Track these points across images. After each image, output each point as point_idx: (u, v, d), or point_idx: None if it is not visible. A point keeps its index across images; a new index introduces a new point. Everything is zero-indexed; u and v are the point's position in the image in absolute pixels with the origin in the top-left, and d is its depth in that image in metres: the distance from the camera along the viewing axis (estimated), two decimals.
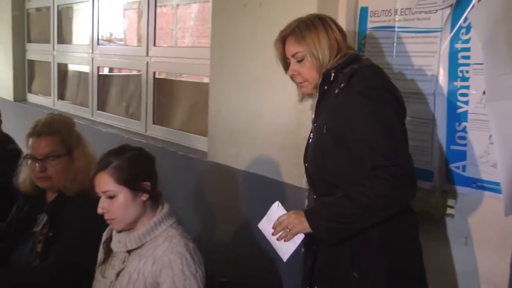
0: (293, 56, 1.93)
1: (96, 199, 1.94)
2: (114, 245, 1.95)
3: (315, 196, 2.02)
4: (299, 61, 1.91)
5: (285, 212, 1.91)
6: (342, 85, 1.82)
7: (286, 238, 1.86)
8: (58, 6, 5.46)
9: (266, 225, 1.94)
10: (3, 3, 6.32)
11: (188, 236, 1.94)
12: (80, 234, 2.13)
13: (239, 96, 2.85)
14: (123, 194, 1.87)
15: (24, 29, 6.21)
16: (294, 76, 1.96)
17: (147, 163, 1.97)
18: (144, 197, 1.90)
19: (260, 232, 1.97)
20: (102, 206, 1.89)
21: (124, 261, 1.93)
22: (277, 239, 1.88)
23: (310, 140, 2.00)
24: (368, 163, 1.74)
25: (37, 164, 2.26)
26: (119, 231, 1.96)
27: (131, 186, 1.88)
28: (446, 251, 2.10)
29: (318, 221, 1.81)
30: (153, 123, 3.93)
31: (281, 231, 1.87)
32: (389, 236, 1.81)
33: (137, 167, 1.91)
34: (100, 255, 2.05)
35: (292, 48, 1.92)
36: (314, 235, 1.85)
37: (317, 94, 1.92)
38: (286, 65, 1.99)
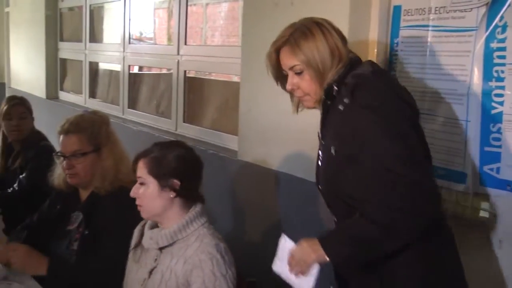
0: (290, 69, 1.75)
1: (129, 196, 1.98)
2: (145, 242, 1.97)
3: (335, 220, 1.84)
4: (298, 74, 1.74)
5: (293, 243, 1.75)
6: (346, 100, 1.65)
7: (302, 271, 1.68)
8: (90, 5, 5.52)
9: (280, 265, 1.78)
10: (37, 3, 6.42)
11: (219, 236, 1.94)
12: (116, 234, 2.15)
13: (269, 94, 2.84)
14: (152, 185, 1.91)
15: (57, 28, 6.30)
16: (293, 91, 1.80)
17: (185, 164, 1.96)
18: (172, 194, 1.91)
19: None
20: (134, 191, 1.95)
21: (156, 259, 1.94)
22: (295, 275, 1.70)
23: (320, 159, 1.83)
24: (384, 181, 1.56)
25: (65, 162, 2.30)
26: (151, 228, 1.99)
27: (160, 180, 1.91)
28: (479, 254, 2.06)
29: (334, 247, 1.63)
30: (184, 122, 3.95)
31: (297, 266, 1.69)
32: (425, 259, 1.65)
33: (172, 164, 1.92)
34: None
35: (288, 60, 1.75)
36: (333, 263, 1.68)
37: (321, 109, 1.77)
38: (280, 78, 1.84)
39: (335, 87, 1.69)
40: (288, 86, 1.79)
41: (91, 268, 2.15)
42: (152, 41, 5.34)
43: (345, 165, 1.67)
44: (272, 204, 2.87)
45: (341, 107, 1.67)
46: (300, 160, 2.66)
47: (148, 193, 1.92)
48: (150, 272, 1.93)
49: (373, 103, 1.61)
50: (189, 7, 3.98)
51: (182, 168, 1.95)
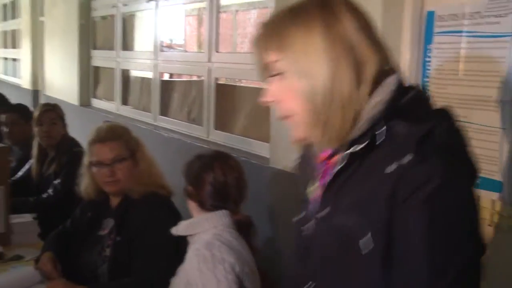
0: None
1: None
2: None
3: None
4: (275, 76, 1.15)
5: None
6: (410, 157, 0.99)
7: None
8: (122, 14, 5.60)
9: None
10: (71, 12, 6.53)
11: (224, 240, 1.94)
12: (150, 241, 2.18)
13: None
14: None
15: (90, 36, 6.40)
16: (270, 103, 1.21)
17: (203, 172, 2.05)
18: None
19: None
20: None
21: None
22: None
23: (305, 239, 1.19)
24: None
25: (105, 169, 2.32)
26: None
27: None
28: None
29: None
30: (215, 129, 3.97)
31: None
32: None
33: (192, 170, 2.06)
34: None
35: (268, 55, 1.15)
36: None
37: (340, 159, 1.10)
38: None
39: (382, 130, 1.04)
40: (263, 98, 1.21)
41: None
42: (182, 48, 5.40)
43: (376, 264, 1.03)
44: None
45: (390, 168, 1.01)
46: None
47: None
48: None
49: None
50: (219, 14, 4.00)
51: (198, 176, 2.07)
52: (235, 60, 3.84)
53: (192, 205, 2.04)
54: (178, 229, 2.02)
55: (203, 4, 4.28)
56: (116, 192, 2.38)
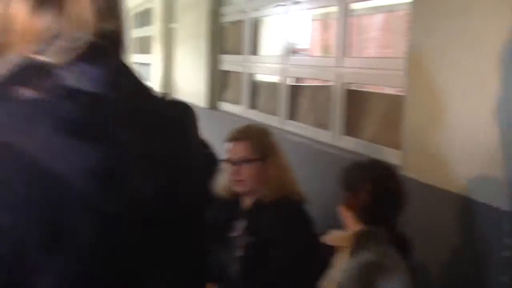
0: None
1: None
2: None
3: None
4: None
5: None
6: None
7: None
8: (251, 19, 5.69)
9: None
10: (201, 19, 6.75)
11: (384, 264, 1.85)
12: (283, 244, 2.17)
13: (436, 108, 2.72)
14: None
15: (219, 41, 6.57)
16: None
17: (364, 180, 1.96)
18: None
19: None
20: None
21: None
22: None
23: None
24: None
25: (232, 168, 2.37)
26: None
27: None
28: None
29: None
30: (343, 134, 3.92)
31: None
32: None
33: (352, 179, 1.95)
34: None
35: None
36: None
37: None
38: None
39: None
40: None
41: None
42: (307, 53, 5.38)
43: None
44: (442, 225, 2.73)
45: None
46: (466, 178, 2.51)
47: None
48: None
49: None
50: (350, 19, 3.96)
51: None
52: (364, 65, 3.77)
53: (347, 215, 1.95)
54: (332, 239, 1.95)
55: (332, 9, 4.26)
56: (243, 192, 2.41)
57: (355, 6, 3.96)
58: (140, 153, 0.84)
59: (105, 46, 0.87)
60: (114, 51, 0.92)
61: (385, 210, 1.92)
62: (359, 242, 1.87)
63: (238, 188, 2.41)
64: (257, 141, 2.39)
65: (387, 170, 1.98)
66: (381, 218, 1.91)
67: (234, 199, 2.47)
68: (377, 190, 1.92)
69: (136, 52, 13.02)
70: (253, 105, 5.67)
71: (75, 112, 0.79)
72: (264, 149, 2.39)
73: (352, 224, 1.93)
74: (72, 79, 0.79)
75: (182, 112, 0.99)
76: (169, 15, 9.30)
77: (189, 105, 0.99)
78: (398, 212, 1.97)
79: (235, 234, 2.39)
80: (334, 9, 4.11)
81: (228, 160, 2.41)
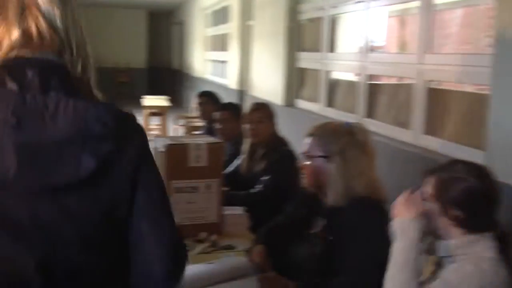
0: None
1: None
2: None
3: None
4: None
5: None
6: None
7: None
8: (330, 16, 5.64)
9: None
10: (278, 15, 6.76)
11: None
12: (364, 241, 2.13)
13: None
14: (433, 207, 1.82)
15: (297, 39, 6.55)
16: None
17: (473, 197, 1.79)
18: (451, 223, 1.79)
19: None
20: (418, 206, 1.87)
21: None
22: None
23: None
24: None
25: (304, 162, 2.37)
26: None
27: (441, 205, 1.81)
28: None
29: None
30: (423, 133, 3.81)
31: None
32: None
33: (456, 194, 1.79)
34: None
35: None
36: None
37: None
38: None
39: None
40: None
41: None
42: (382, 50, 5.28)
43: None
44: None
45: None
46: None
47: (429, 213, 1.82)
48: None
49: None
50: (433, 14, 3.84)
51: (467, 202, 1.79)
52: (448, 62, 3.65)
53: (446, 223, 1.82)
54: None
55: (415, 4, 4.15)
56: (312, 188, 2.39)
57: (437, 0, 3.84)
58: None
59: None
60: None
61: (487, 216, 1.80)
62: (462, 251, 1.77)
63: (304, 182, 2.41)
64: (323, 139, 2.34)
65: (484, 172, 1.85)
66: (485, 224, 1.80)
67: (315, 195, 2.44)
68: (479, 196, 1.78)
69: (212, 50, 13.21)
70: (330, 103, 5.62)
71: None
72: (330, 149, 2.31)
73: (454, 234, 1.81)
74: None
75: None
76: (246, 12, 9.37)
77: None
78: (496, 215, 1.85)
79: (314, 231, 2.36)
80: (415, 4, 4.01)
81: (302, 153, 2.41)
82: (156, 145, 2.86)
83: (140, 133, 1.24)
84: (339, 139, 2.32)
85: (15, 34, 1.14)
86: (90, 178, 1.12)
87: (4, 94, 1.10)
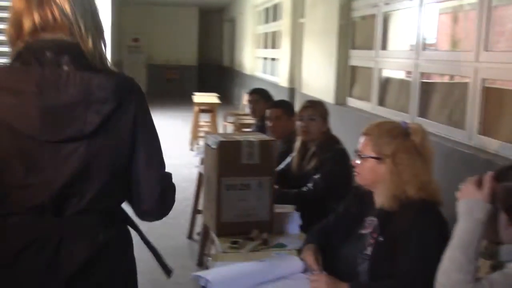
0: None
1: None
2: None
3: None
4: None
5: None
6: None
7: None
8: (383, 13, 5.57)
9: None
10: (331, 13, 6.72)
11: None
12: (417, 243, 2.10)
13: None
14: (501, 216, 1.75)
15: (349, 36, 6.50)
16: None
17: None
18: None
19: None
20: None
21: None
22: None
23: None
24: None
25: (356, 161, 2.36)
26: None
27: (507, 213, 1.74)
28: None
29: None
30: (478, 133, 3.73)
31: None
32: None
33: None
34: None
35: None
36: None
37: None
38: None
39: None
40: None
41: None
42: (434, 48, 5.18)
43: None
44: None
45: None
46: None
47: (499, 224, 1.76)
48: None
49: None
50: (473, 11, 3.74)
51: None
52: (507, 60, 3.55)
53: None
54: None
55: (470, 0, 4.06)
56: (364, 185, 2.37)
57: None
58: None
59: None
60: None
61: None
62: None
63: (356, 180, 2.39)
64: (376, 139, 2.30)
65: None
66: None
67: (367, 194, 2.41)
68: None
69: (263, 47, 13.23)
70: (382, 102, 5.56)
71: None
72: (383, 149, 2.27)
73: None
74: None
75: None
76: (298, 10, 9.35)
77: None
78: None
79: (365, 231, 2.34)
80: (470, 0, 3.92)
81: (354, 152, 2.40)
82: (208, 141, 2.89)
83: (136, 93, 1.61)
84: (393, 141, 2.28)
85: (36, 19, 1.52)
86: (96, 130, 1.52)
87: (31, 71, 1.50)
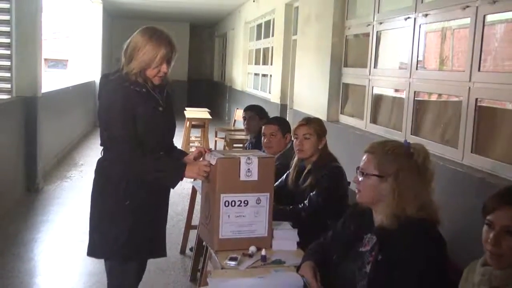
0: None
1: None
2: (476, 277, 1.87)
3: None
4: None
5: None
6: None
7: None
8: (377, 32, 5.64)
9: None
10: (324, 31, 6.79)
11: None
12: (411, 270, 2.12)
13: None
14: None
15: (342, 54, 6.56)
16: None
17: None
18: None
19: None
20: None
21: None
22: None
23: None
24: None
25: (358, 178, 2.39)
26: (483, 265, 1.85)
27: None
28: None
29: None
30: (471, 152, 3.77)
31: None
32: None
33: None
34: None
35: None
36: None
37: None
38: None
39: None
40: None
41: None
42: (421, 65, 5.24)
43: None
44: None
45: None
46: None
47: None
48: None
49: None
50: (463, 30, 3.80)
51: None
52: (500, 80, 3.61)
53: None
54: (492, 281, 1.79)
55: (465, 21, 4.12)
56: (364, 203, 2.39)
57: (490, 17, 3.81)
58: None
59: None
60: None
61: None
62: None
63: (358, 198, 2.40)
64: (379, 158, 2.33)
65: None
66: None
67: (366, 211, 2.43)
68: None
69: (255, 63, 13.29)
70: (374, 119, 5.61)
71: None
72: (385, 168, 2.29)
73: None
74: None
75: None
76: (290, 27, 9.42)
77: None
78: None
79: (364, 249, 2.35)
80: (462, 21, 3.99)
81: (357, 169, 2.41)
82: (207, 158, 2.91)
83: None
84: (395, 160, 2.30)
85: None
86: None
87: None
